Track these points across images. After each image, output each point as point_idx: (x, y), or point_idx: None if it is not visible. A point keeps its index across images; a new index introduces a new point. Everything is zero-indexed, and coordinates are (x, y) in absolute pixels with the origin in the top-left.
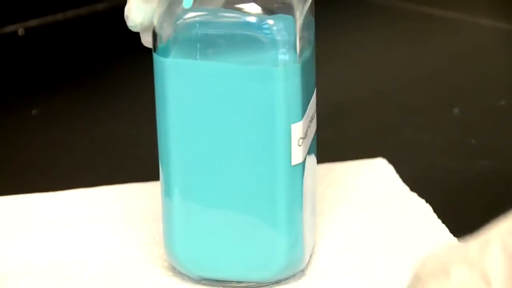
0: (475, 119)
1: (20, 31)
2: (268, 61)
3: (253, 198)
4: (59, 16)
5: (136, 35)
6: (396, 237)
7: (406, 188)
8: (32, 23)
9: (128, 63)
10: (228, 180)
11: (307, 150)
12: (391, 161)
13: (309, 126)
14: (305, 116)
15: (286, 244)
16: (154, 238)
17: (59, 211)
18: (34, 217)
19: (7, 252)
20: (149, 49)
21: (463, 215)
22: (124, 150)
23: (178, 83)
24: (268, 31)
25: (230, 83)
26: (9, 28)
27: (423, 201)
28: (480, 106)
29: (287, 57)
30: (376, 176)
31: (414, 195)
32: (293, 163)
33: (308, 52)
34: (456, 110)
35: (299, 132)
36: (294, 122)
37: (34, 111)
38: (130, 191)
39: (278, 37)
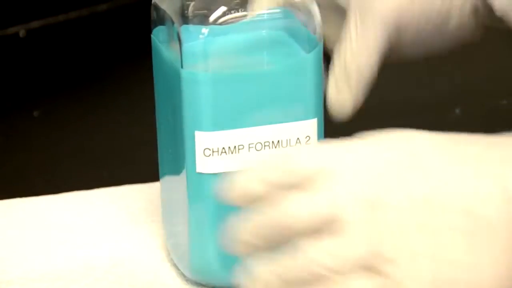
0: (477, 119)
1: (22, 33)
2: (176, 64)
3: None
4: (61, 18)
5: (137, 36)
6: None
7: None
8: (34, 24)
9: (130, 64)
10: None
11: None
12: None
13: (256, 145)
14: (225, 129)
15: None
16: (155, 238)
17: (61, 214)
18: (36, 221)
19: (10, 258)
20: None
21: None
22: (125, 151)
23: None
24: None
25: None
26: (11, 30)
27: None
28: (482, 106)
29: (195, 63)
30: None
31: None
32: (197, 170)
33: (245, 63)
34: (457, 111)
35: (206, 142)
36: (199, 130)
37: (35, 113)
38: (130, 193)
39: (185, 47)
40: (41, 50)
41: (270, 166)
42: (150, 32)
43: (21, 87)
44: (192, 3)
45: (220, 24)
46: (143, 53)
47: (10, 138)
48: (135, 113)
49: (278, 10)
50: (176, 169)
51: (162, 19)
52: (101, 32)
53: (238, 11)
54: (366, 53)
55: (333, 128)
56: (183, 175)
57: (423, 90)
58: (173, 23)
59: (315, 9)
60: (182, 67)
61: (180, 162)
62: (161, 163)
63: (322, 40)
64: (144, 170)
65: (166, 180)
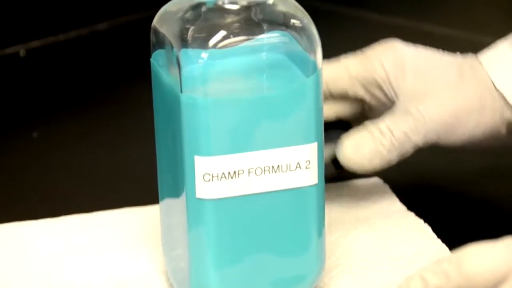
0: None
1: (22, 52)
2: (175, 89)
3: None
4: (61, 37)
5: (137, 55)
6: (397, 258)
7: (403, 208)
8: (34, 44)
9: (130, 84)
10: None
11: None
12: (389, 179)
13: (256, 170)
14: (225, 154)
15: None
16: (155, 262)
17: (59, 238)
18: (34, 245)
19: (9, 282)
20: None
21: (465, 235)
22: (124, 173)
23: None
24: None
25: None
26: (11, 49)
27: (421, 221)
28: None
29: (194, 88)
30: (372, 195)
31: (412, 214)
32: (197, 196)
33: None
34: None
35: (205, 167)
36: (198, 155)
37: (34, 134)
38: (129, 216)
39: (184, 71)
40: (41, 69)
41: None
42: (149, 52)
43: (20, 108)
44: (191, 27)
45: (220, 48)
46: (143, 72)
47: (9, 160)
48: (135, 134)
49: (277, 34)
50: (176, 194)
51: (161, 43)
52: (101, 51)
53: (238, 36)
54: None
55: None
56: (182, 199)
57: None
58: (172, 47)
59: (315, 33)
60: (181, 91)
61: (179, 186)
62: (161, 186)
63: (322, 64)
64: (143, 192)
65: (166, 203)
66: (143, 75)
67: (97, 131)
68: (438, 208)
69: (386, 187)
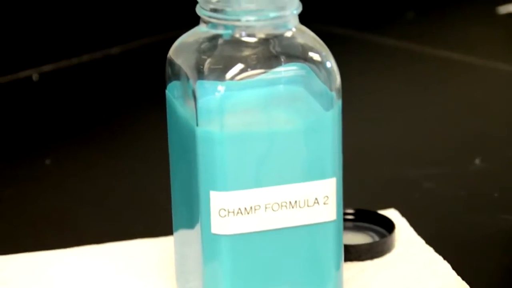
0: (497, 170)
1: (35, 77)
2: (191, 122)
3: None
4: (74, 61)
5: (151, 80)
6: None
7: (421, 242)
8: (47, 68)
9: (144, 109)
10: None
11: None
12: (409, 213)
13: (273, 206)
14: (241, 189)
15: None
16: None
17: (71, 269)
18: (46, 276)
19: None
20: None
21: (485, 273)
22: (138, 202)
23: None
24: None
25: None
26: (23, 73)
27: (441, 257)
28: (502, 157)
29: (210, 121)
30: None
31: (431, 249)
32: (213, 232)
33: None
34: (477, 161)
35: (221, 202)
36: (214, 190)
37: (47, 161)
38: (142, 247)
39: (200, 103)
40: (53, 93)
41: None
42: (164, 77)
43: (32, 133)
44: (208, 59)
45: (237, 80)
46: (157, 97)
47: (21, 187)
48: (149, 161)
49: (295, 67)
50: (190, 227)
51: (177, 75)
52: (114, 76)
53: (256, 68)
54: None
55: (352, 187)
56: (197, 234)
57: (443, 140)
58: (188, 79)
59: (334, 66)
60: (197, 125)
61: (194, 221)
62: (175, 217)
63: (341, 97)
64: (157, 222)
65: (180, 235)
66: (157, 100)
67: (111, 158)
68: (457, 243)
69: (404, 220)
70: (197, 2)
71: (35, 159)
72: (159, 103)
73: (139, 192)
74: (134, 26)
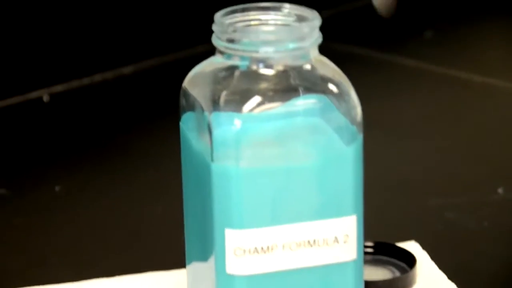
0: None
1: (45, 98)
2: (206, 156)
3: None
4: (85, 81)
5: (165, 100)
6: None
7: (443, 277)
8: (58, 88)
9: (157, 132)
10: None
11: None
12: (430, 245)
13: (291, 245)
14: (258, 227)
15: None
16: None
17: None
18: None
19: None
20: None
21: None
22: (150, 233)
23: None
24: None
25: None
26: (34, 94)
27: None
28: None
29: (226, 156)
30: None
31: (453, 286)
32: (228, 272)
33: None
34: (500, 190)
35: (237, 240)
36: (229, 228)
37: (57, 188)
38: (154, 281)
39: (216, 137)
40: (64, 115)
41: None
42: (178, 100)
43: (43, 159)
44: (224, 91)
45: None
46: (171, 119)
47: (30, 216)
48: (162, 189)
49: (315, 99)
50: (204, 264)
51: (192, 106)
52: (127, 96)
53: (273, 101)
54: None
55: (370, 217)
56: (211, 272)
57: (465, 169)
58: (203, 111)
59: (355, 98)
60: (212, 160)
61: (208, 258)
62: (188, 251)
63: (363, 131)
64: (169, 254)
65: (194, 270)
66: (170, 122)
67: (122, 185)
68: (481, 277)
69: (425, 253)
70: (212, 32)
71: (44, 185)
72: (173, 126)
73: (152, 221)
74: (147, 45)
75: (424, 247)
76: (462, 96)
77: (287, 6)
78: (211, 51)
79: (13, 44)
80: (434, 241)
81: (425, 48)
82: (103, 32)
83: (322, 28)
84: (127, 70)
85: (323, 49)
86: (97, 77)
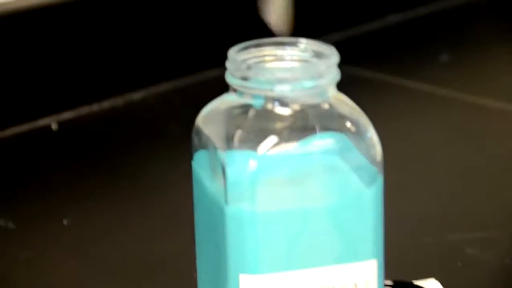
0: None
1: (54, 126)
2: (219, 198)
3: None
4: (95, 107)
5: (177, 127)
6: None
7: None
8: (66, 115)
9: (169, 158)
10: None
11: None
12: (450, 283)
13: None
14: (274, 272)
15: None
16: None
17: None
18: None
19: None
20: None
21: None
22: (160, 268)
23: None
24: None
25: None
26: (42, 122)
27: None
28: None
29: (241, 199)
30: None
31: None
32: None
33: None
34: None
35: (252, 286)
36: (244, 273)
37: (65, 221)
38: None
39: (230, 179)
40: (73, 143)
41: None
42: (191, 127)
43: (50, 190)
44: (238, 131)
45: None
46: (184, 147)
47: (38, 250)
48: (174, 223)
49: (333, 138)
50: None
51: (204, 145)
52: (137, 123)
53: (290, 141)
54: None
55: (388, 253)
56: None
57: (483, 200)
58: (217, 150)
59: (374, 137)
60: (226, 202)
61: None
62: None
63: (383, 173)
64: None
65: None
66: (183, 150)
67: (132, 217)
68: None
69: None
70: (225, 69)
71: (52, 219)
72: (187, 154)
73: (163, 257)
74: (158, 69)
75: (444, 284)
76: (478, 121)
77: (303, 41)
78: (222, 75)
79: (21, 71)
80: (454, 279)
81: (440, 72)
82: (112, 58)
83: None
84: (137, 95)
85: None
86: (106, 104)
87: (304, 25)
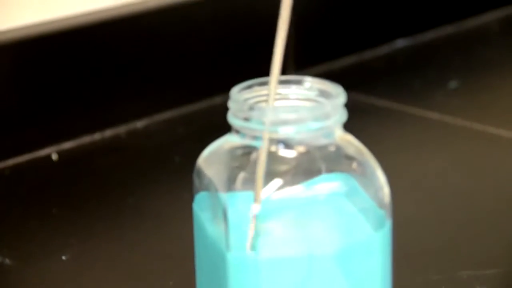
0: None
1: (54, 156)
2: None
3: None
4: (96, 136)
5: (181, 155)
6: None
7: None
8: (67, 145)
9: (172, 191)
10: None
11: None
12: None
13: None
14: None
15: None
16: None
17: None
18: None
19: None
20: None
21: None
22: None
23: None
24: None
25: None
26: (42, 152)
27: None
28: None
29: (243, 245)
30: None
31: None
32: None
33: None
34: None
35: None
36: None
37: (64, 257)
38: None
39: (232, 225)
40: (73, 174)
41: None
42: (194, 159)
43: (49, 224)
44: (241, 174)
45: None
46: (188, 179)
47: (38, 285)
48: (176, 260)
49: (339, 180)
50: None
51: (206, 186)
52: (140, 152)
53: (294, 184)
54: None
55: None
56: None
57: (495, 234)
58: (218, 194)
59: (382, 179)
60: (228, 248)
61: None
62: None
63: (391, 216)
64: None
65: None
66: (186, 181)
67: (133, 254)
68: None
69: None
70: (227, 109)
71: (51, 253)
72: (188, 187)
73: None
74: (161, 97)
75: None
76: (489, 151)
77: (309, 80)
78: (226, 102)
79: (21, 100)
80: None
81: (449, 100)
82: (113, 86)
83: (341, 78)
84: (140, 124)
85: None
86: (108, 133)
87: (310, 50)
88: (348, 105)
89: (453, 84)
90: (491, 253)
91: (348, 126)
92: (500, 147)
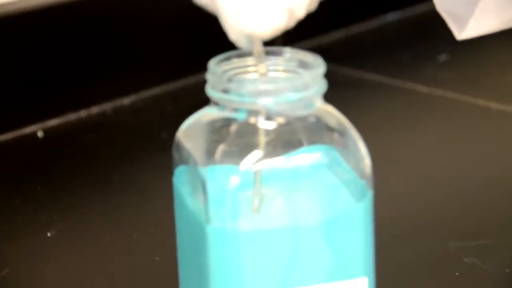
0: None
1: (40, 134)
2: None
3: None
4: (83, 113)
5: (167, 131)
6: None
7: None
8: (53, 122)
9: (157, 166)
10: None
11: None
12: None
13: None
14: None
15: None
16: None
17: None
18: None
19: None
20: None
21: None
22: (146, 282)
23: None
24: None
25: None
26: (27, 129)
27: None
28: None
29: (223, 217)
30: None
31: None
32: None
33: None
34: None
35: None
36: None
37: (49, 233)
38: None
39: (211, 197)
40: (59, 151)
41: None
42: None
43: (34, 201)
44: (221, 145)
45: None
46: (171, 156)
47: (21, 264)
48: (161, 235)
49: (320, 151)
50: None
51: (185, 160)
52: (126, 129)
53: (274, 156)
54: None
55: (383, 264)
56: None
57: (483, 206)
58: (198, 166)
59: (363, 151)
60: (207, 221)
61: None
62: None
63: (373, 186)
64: None
65: None
66: (171, 159)
67: (118, 229)
68: None
69: None
70: (205, 81)
71: (36, 230)
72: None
73: (148, 271)
74: (147, 74)
75: None
76: (478, 123)
77: (288, 51)
78: None
79: (5, 77)
80: None
81: (439, 73)
82: (99, 62)
83: (330, 52)
84: (126, 101)
85: (332, 75)
86: (94, 110)
87: (299, 24)
88: (337, 79)
89: (442, 57)
90: (479, 224)
91: (336, 100)
92: (489, 119)
